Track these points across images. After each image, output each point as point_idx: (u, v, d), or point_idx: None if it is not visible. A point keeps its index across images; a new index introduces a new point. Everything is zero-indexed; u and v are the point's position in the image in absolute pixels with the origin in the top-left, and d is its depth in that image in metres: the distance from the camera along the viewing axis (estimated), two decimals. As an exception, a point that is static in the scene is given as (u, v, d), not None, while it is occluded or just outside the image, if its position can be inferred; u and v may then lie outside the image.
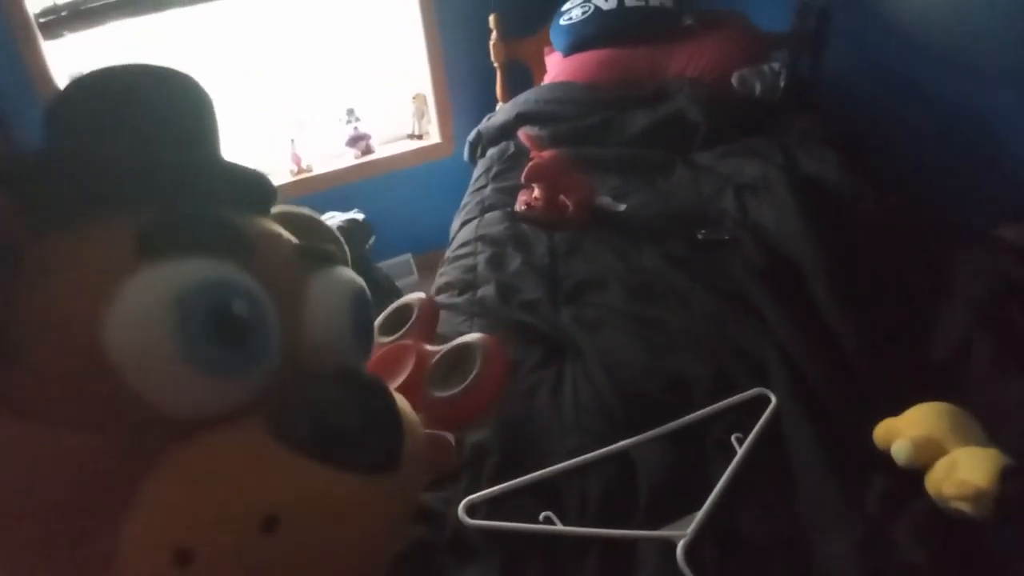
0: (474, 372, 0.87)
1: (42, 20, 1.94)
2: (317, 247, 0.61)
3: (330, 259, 0.60)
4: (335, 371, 0.53)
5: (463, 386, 0.86)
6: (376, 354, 0.89)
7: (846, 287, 1.15)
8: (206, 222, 0.50)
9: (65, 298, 0.43)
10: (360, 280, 0.62)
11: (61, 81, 2.05)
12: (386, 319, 1.11)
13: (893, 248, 1.25)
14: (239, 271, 0.48)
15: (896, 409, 0.87)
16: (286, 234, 0.59)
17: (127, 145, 0.49)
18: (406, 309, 1.10)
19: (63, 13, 1.93)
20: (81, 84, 0.50)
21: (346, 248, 0.75)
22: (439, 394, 0.88)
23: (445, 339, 1.04)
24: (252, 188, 0.59)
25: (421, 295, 1.06)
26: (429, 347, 0.96)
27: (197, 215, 0.50)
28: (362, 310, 0.61)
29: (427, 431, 0.62)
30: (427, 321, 1.06)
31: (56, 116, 0.51)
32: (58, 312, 0.43)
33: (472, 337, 0.94)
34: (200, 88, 0.56)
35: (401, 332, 1.05)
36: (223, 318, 0.45)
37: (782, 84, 1.94)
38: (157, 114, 0.53)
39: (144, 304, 0.43)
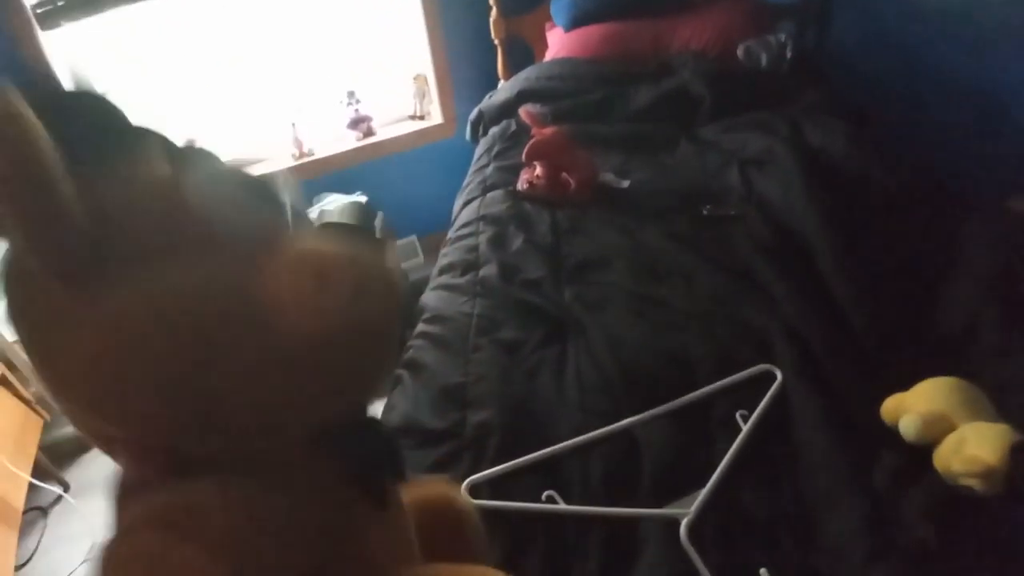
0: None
1: (39, 10, 1.92)
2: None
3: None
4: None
5: None
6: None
7: (853, 261, 1.13)
8: (199, 148, 0.57)
9: (157, 188, 0.51)
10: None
11: (59, 71, 2.04)
12: None
13: (901, 221, 1.22)
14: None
15: (904, 384, 0.86)
16: None
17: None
18: None
19: (60, 3, 1.91)
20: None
21: None
22: None
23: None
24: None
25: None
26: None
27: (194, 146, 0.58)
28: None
29: None
30: None
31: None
32: (158, 194, 0.50)
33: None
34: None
35: None
36: (256, 182, 0.55)
37: (788, 55, 1.89)
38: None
39: (215, 181, 0.54)
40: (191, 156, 0.56)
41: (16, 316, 0.50)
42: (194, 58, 2.25)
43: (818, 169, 1.40)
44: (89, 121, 0.53)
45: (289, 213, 0.56)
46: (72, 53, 2.09)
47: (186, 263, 0.49)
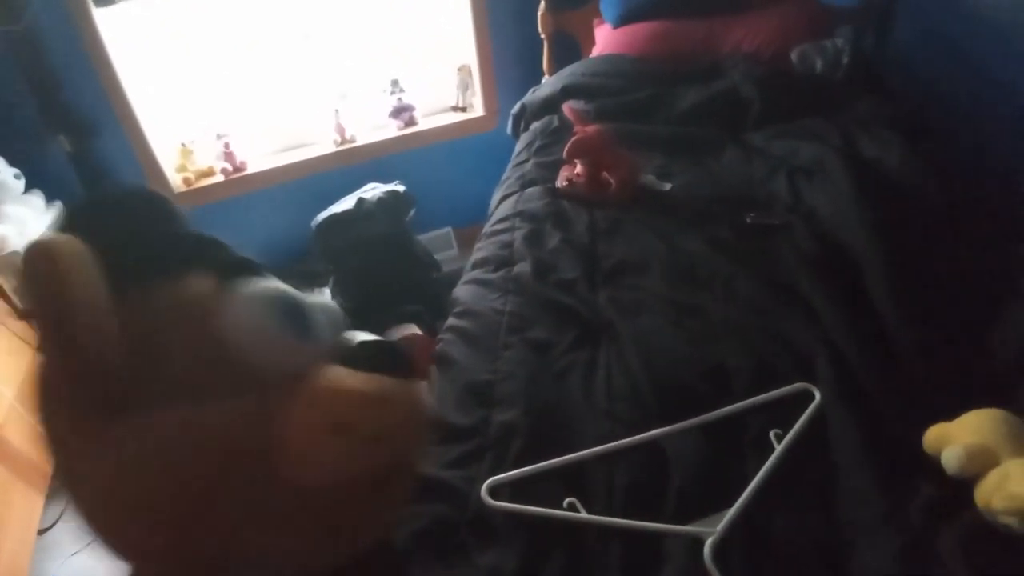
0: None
1: (95, -13, 1.96)
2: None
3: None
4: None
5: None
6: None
7: (904, 280, 1.08)
8: (246, 260, 0.61)
9: (189, 319, 0.53)
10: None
11: (115, 48, 2.08)
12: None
13: (957, 240, 1.17)
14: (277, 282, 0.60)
15: (950, 414, 0.82)
16: None
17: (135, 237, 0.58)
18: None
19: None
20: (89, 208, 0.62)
21: None
22: None
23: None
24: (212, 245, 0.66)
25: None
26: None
27: (241, 258, 0.61)
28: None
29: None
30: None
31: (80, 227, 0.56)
32: (191, 326, 0.53)
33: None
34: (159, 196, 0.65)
35: None
36: (290, 307, 0.57)
37: (845, 61, 1.83)
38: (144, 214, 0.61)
39: (250, 306, 0.55)
40: (237, 270, 0.59)
41: (45, 426, 0.53)
42: (242, 41, 2.28)
43: (871, 182, 1.35)
44: (141, 235, 0.58)
45: (323, 337, 0.59)
46: (125, 32, 2.13)
47: (210, 398, 0.52)
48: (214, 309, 0.55)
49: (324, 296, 0.64)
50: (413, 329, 0.83)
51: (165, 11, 2.16)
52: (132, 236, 0.59)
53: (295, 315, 0.58)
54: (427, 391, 0.69)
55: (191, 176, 2.33)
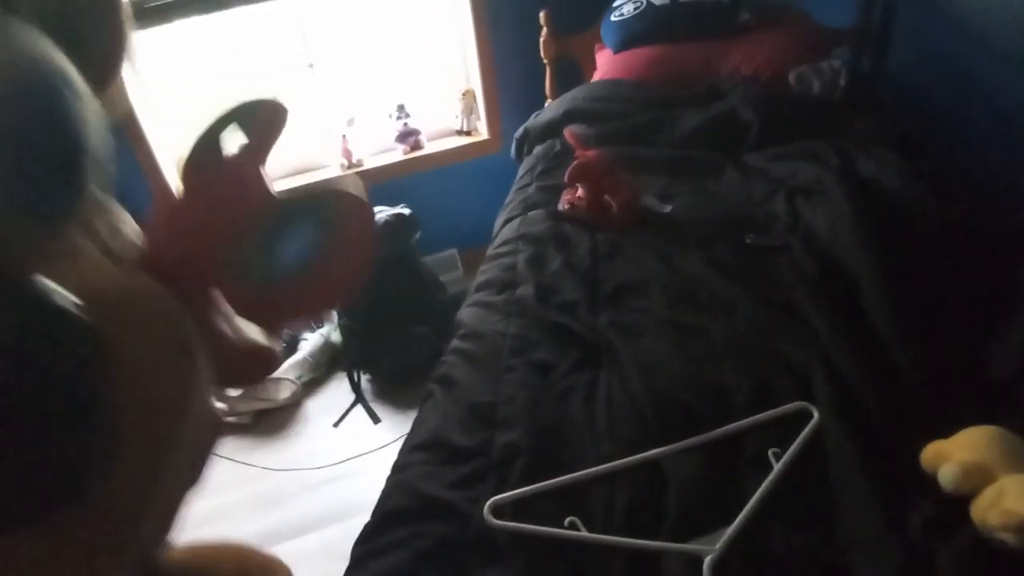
0: (326, 237, 0.52)
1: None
2: None
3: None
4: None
5: (309, 259, 0.53)
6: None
7: (902, 299, 1.10)
8: None
9: None
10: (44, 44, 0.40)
11: (126, 77, 2.14)
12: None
13: (955, 259, 1.18)
14: None
15: (947, 431, 0.83)
16: None
17: None
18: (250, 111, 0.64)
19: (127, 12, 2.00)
20: None
21: None
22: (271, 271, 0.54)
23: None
24: None
25: (270, 99, 0.62)
26: (267, 183, 0.55)
27: None
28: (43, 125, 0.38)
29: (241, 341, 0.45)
30: (269, 134, 0.62)
31: None
32: None
33: (328, 181, 0.59)
34: None
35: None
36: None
37: (842, 83, 1.86)
38: None
39: None
40: None
41: None
42: (250, 69, 2.34)
43: (869, 201, 1.36)
44: None
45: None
46: (136, 62, 2.19)
47: None
48: None
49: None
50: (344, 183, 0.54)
51: (176, 40, 2.22)
52: None
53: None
54: None
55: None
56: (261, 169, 0.55)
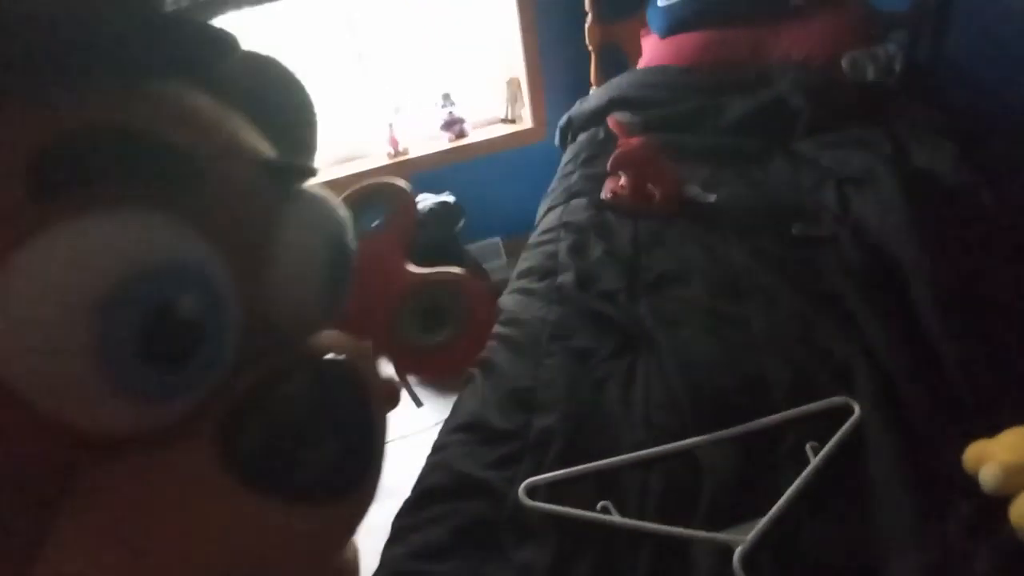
0: (460, 319, 0.65)
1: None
2: (290, 163, 0.44)
3: (304, 175, 0.43)
4: (298, 361, 0.40)
5: (448, 335, 0.67)
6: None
7: (953, 294, 1.07)
8: (141, 142, 0.33)
9: None
10: (339, 209, 0.46)
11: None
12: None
13: (1011, 253, 1.14)
14: (185, 228, 0.33)
15: (991, 431, 0.81)
16: (247, 133, 0.42)
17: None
18: (377, 196, 0.76)
19: (183, 3, 2.07)
20: None
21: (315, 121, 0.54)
22: (418, 340, 0.68)
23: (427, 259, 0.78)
24: (203, 46, 0.42)
25: (395, 181, 0.74)
26: (408, 265, 0.70)
27: (123, 129, 0.33)
28: (341, 261, 0.45)
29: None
30: (404, 216, 0.75)
31: None
32: None
33: (453, 273, 0.69)
34: None
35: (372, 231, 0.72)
36: (164, 326, 0.31)
37: (897, 68, 1.79)
38: None
39: (48, 309, 0.28)
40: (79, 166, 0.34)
41: None
42: (302, 57, 2.39)
43: (921, 191, 1.33)
44: None
45: None
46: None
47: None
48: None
49: (331, 224, 0.45)
50: (465, 275, 0.68)
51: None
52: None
53: (158, 345, 0.32)
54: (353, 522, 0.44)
55: (254, 188, 2.45)
56: (400, 248, 0.64)
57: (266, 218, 0.39)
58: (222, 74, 0.43)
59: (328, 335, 0.46)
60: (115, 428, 0.33)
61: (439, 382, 0.66)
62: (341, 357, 0.43)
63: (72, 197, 0.29)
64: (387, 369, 0.51)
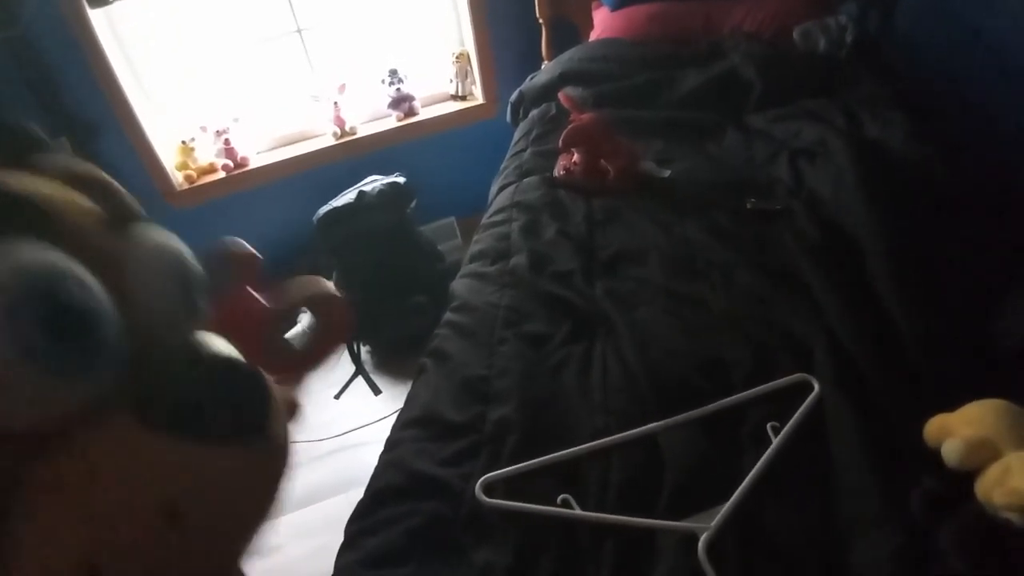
0: (317, 324, 0.82)
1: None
2: (126, 207, 0.53)
3: (136, 214, 0.53)
4: (180, 345, 0.49)
5: (308, 339, 0.83)
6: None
7: (907, 266, 1.06)
8: (11, 197, 0.43)
9: None
10: (175, 238, 0.55)
11: (112, 48, 2.08)
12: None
13: (964, 224, 1.14)
14: (53, 249, 0.41)
15: (951, 405, 0.80)
16: (77, 195, 0.50)
17: None
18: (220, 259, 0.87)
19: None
20: None
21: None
22: (283, 347, 0.82)
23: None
24: (3, 137, 0.51)
25: (235, 243, 0.87)
26: (259, 297, 0.84)
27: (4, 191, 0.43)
28: (185, 272, 0.54)
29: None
30: (249, 270, 0.88)
31: None
32: None
33: (305, 283, 0.84)
34: None
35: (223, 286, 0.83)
36: (56, 310, 0.40)
37: (849, 40, 1.79)
38: None
39: None
40: None
41: None
42: (237, 37, 2.27)
43: (874, 164, 1.32)
44: None
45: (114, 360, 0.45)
46: (121, 31, 2.13)
47: None
48: None
49: (169, 249, 0.54)
50: (325, 285, 0.84)
51: (159, 9, 2.15)
52: None
53: (57, 326, 0.39)
54: (278, 458, 0.53)
55: (193, 174, 2.33)
56: (248, 290, 0.76)
57: (112, 249, 0.48)
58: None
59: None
60: (48, 414, 0.41)
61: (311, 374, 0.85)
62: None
63: None
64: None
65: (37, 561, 0.39)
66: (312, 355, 0.81)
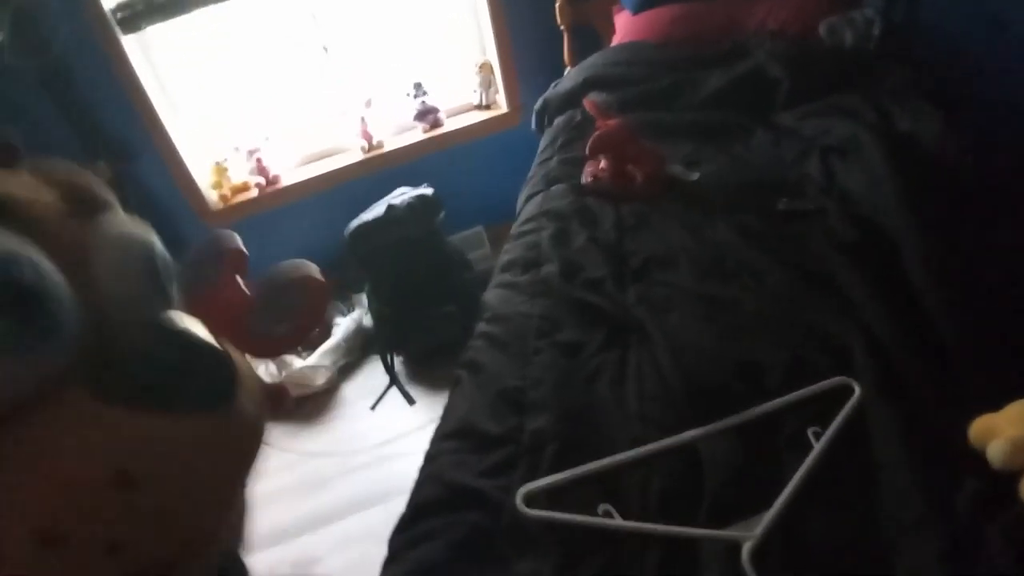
0: (299, 307, 0.88)
1: (119, 15, 2.01)
2: (86, 194, 0.57)
3: (104, 206, 0.57)
4: (143, 323, 0.53)
5: (288, 323, 0.89)
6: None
7: (945, 264, 1.04)
8: None
9: None
10: (144, 227, 0.59)
11: (145, 74, 2.15)
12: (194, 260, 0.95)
13: (1001, 219, 1.11)
14: (9, 235, 0.45)
15: (996, 405, 0.78)
16: (45, 190, 0.54)
17: None
18: (211, 251, 0.98)
19: (139, 7, 2.00)
20: None
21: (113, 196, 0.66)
22: (265, 331, 0.87)
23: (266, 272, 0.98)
24: None
25: (226, 237, 0.95)
26: (243, 287, 0.91)
27: None
28: (152, 259, 0.58)
29: (266, 382, 0.63)
30: (237, 262, 0.96)
31: None
32: None
33: (290, 268, 0.90)
34: None
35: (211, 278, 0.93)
36: (10, 291, 0.43)
37: (876, 33, 1.76)
38: None
39: None
40: None
41: None
42: (267, 54, 2.32)
43: (908, 159, 1.30)
44: None
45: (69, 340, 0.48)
46: (151, 56, 2.19)
47: None
48: None
49: (135, 237, 0.59)
50: (308, 269, 0.90)
51: (189, 34, 2.21)
52: None
53: (13, 306, 0.43)
54: (241, 428, 0.56)
55: (227, 193, 2.39)
56: (235, 280, 0.83)
57: (75, 234, 0.52)
58: None
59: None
60: (10, 393, 0.44)
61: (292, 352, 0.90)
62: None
63: None
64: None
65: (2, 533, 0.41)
66: (293, 335, 0.87)
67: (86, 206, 0.55)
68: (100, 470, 0.45)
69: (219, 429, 0.52)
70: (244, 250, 0.85)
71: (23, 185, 0.51)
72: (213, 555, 0.54)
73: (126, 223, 0.58)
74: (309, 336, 0.85)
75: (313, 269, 0.86)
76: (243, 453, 0.56)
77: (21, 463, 0.44)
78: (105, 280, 0.52)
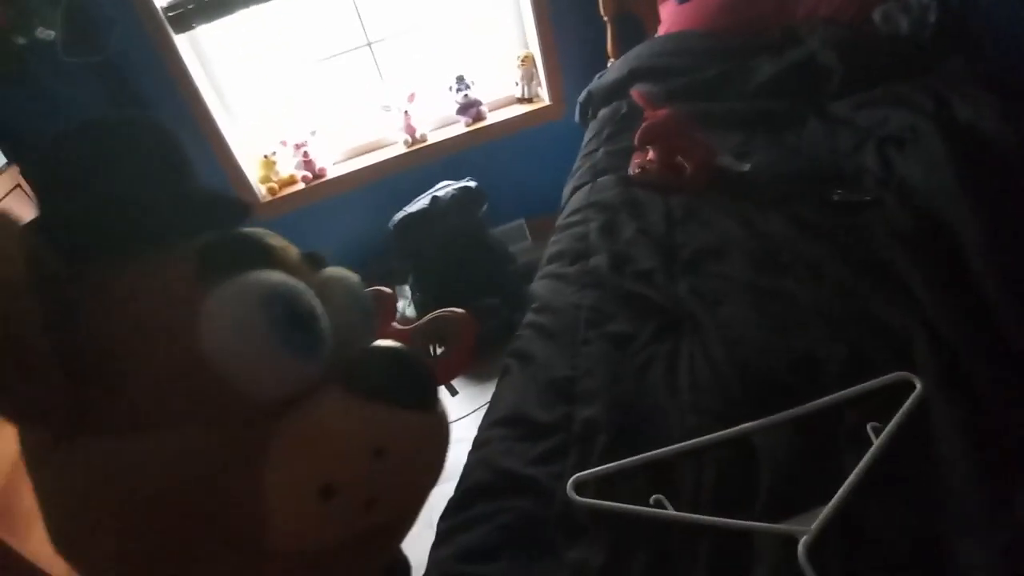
0: (451, 342, 0.98)
1: (170, 14, 2.07)
2: (317, 254, 0.71)
3: (322, 263, 0.70)
4: (364, 342, 0.64)
5: (443, 353, 0.99)
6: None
7: (1009, 256, 1.00)
8: (246, 242, 0.59)
9: (154, 320, 0.52)
10: (351, 274, 0.71)
11: (196, 71, 2.20)
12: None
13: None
14: (286, 274, 0.57)
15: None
16: (284, 242, 0.67)
17: (121, 187, 0.57)
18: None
19: (190, 6, 2.05)
20: (62, 140, 0.58)
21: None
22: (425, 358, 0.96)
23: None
24: (231, 208, 0.68)
25: (376, 289, 1.04)
26: (399, 329, 1.03)
27: (238, 237, 0.60)
28: (359, 296, 0.71)
29: None
30: (389, 306, 1.08)
31: (46, 170, 0.58)
32: (152, 333, 0.51)
33: (441, 315, 1.02)
34: (164, 127, 0.63)
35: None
36: (296, 312, 0.55)
37: (932, 19, 1.70)
38: (137, 156, 0.60)
39: (236, 311, 0.52)
40: (242, 251, 0.57)
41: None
42: (312, 48, 2.36)
43: (967, 148, 1.26)
44: (128, 183, 0.56)
45: (325, 349, 0.56)
46: (201, 53, 2.25)
47: (181, 428, 0.51)
48: (190, 306, 0.51)
49: (350, 280, 0.70)
50: (455, 313, 1.02)
51: (238, 31, 2.26)
52: (114, 184, 0.56)
53: (296, 324, 0.54)
54: (444, 424, 0.66)
55: (275, 186, 2.44)
56: (392, 326, 0.96)
57: (311, 280, 0.62)
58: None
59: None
60: (280, 388, 0.54)
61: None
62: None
63: (223, 274, 0.53)
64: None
65: (289, 488, 0.52)
66: (449, 370, 0.98)
67: (314, 258, 0.69)
68: (360, 444, 0.54)
69: (432, 422, 0.61)
70: (392, 291, 0.99)
71: (279, 239, 0.65)
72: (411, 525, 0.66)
73: (339, 270, 0.70)
74: (462, 366, 1.01)
75: (460, 312, 1.00)
76: (445, 443, 0.65)
77: (302, 438, 0.53)
78: (333, 312, 0.61)
